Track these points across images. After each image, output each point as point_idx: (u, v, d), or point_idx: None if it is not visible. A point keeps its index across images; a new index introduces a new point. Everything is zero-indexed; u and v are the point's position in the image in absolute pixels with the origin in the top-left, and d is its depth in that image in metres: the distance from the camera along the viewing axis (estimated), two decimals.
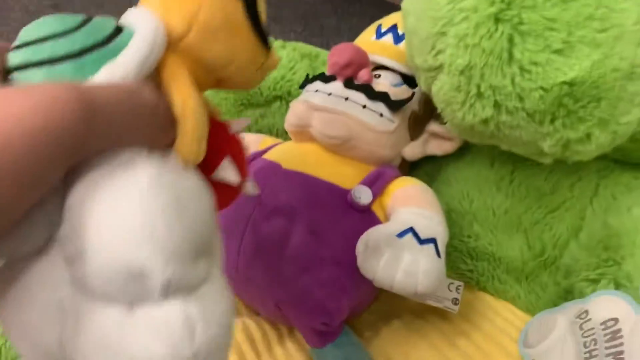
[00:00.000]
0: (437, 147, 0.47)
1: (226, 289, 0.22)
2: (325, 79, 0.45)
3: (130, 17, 0.25)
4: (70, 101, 0.17)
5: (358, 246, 0.36)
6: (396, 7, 0.45)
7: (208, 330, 0.19)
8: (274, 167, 0.42)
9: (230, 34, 0.27)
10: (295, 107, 0.44)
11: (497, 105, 0.34)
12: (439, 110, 0.39)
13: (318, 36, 1.21)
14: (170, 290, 0.19)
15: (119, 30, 0.24)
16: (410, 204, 0.40)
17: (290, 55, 0.56)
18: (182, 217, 0.20)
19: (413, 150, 0.47)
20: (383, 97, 0.44)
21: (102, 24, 0.24)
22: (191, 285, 0.20)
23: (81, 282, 0.19)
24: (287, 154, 0.44)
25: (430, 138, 0.47)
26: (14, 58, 0.21)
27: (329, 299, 0.37)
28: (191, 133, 0.24)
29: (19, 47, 0.22)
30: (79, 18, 0.23)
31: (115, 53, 0.23)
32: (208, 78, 0.28)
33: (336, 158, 0.43)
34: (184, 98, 0.24)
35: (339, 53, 0.43)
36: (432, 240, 0.36)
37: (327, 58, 0.45)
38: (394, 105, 0.44)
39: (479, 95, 0.34)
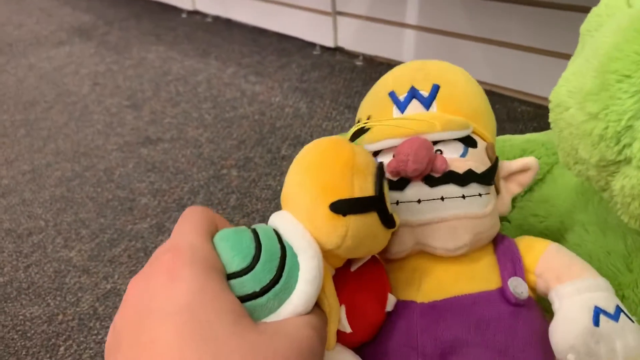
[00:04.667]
0: (518, 184, 0.43)
1: None
2: (398, 186, 0.38)
3: (288, 234, 0.29)
4: (315, 338, 0.28)
5: (566, 357, 0.32)
6: None
7: None
8: (406, 305, 0.36)
9: (370, 239, 0.32)
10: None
11: None
12: (617, 206, 0.36)
13: None
14: None
15: (284, 252, 0.28)
16: (565, 278, 0.35)
17: None
18: None
19: (504, 205, 0.42)
20: (473, 176, 0.38)
21: (270, 252, 0.28)
22: None
23: None
24: (402, 284, 0.38)
25: (506, 181, 0.43)
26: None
27: None
28: (334, 326, 0.32)
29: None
30: (251, 245, 0.28)
31: (289, 289, 0.28)
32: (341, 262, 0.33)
33: (453, 261, 0.38)
34: (331, 302, 0.31)
35: (415, 158, 0.36)
36: (619, 309, 0.33)
37: (396, 161, 0.37)
38: (487, 179, 0.39)
39: None
